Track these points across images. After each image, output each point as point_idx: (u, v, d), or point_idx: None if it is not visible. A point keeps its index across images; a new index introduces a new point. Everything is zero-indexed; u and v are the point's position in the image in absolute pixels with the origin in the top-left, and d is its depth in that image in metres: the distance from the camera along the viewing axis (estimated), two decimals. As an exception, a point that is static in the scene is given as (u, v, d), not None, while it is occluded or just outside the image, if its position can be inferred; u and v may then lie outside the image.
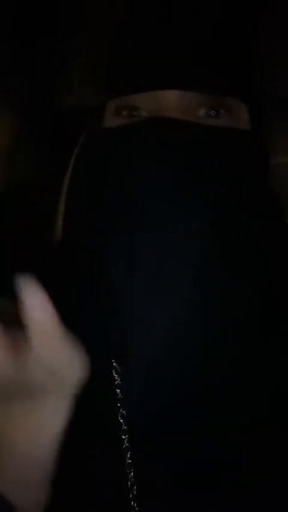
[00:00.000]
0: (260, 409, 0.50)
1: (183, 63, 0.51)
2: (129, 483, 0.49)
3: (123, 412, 0.50)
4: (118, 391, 0.51)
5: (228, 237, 0.49)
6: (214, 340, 0.49)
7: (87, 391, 0.47)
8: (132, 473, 0.49)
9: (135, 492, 0.49)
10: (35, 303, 0.43)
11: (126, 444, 0.50)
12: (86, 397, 0.47)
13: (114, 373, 0.51)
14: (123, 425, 0.50)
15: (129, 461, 0.49)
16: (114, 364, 0.51)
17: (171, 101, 0.50)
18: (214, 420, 0.49)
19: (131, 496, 0.49)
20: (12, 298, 0.43)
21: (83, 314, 0.50)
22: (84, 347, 0.45)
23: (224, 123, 0.51)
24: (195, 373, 0.49)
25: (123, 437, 0.50)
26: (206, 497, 0.48)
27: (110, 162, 0.51)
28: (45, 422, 0.44)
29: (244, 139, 0.52)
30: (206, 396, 0.49)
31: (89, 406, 0.47)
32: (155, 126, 0.49)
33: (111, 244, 0.49)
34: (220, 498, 0.48)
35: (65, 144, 0.58)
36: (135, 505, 0.48)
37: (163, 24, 0.52)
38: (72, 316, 0.49)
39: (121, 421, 0.50)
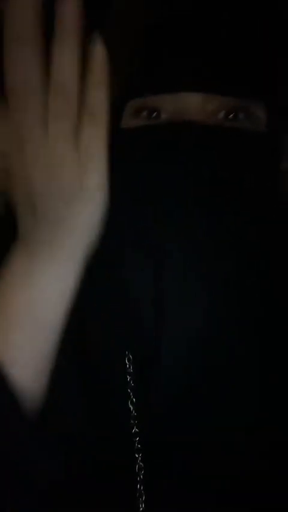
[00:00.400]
0: (265, 409, 0.51)
1: (206, 66, 0.51)
2: (137, 467, 0.50)
3: (133, 399, 0.52)
4: (129, 378, 0.52)
5: (248, 243, 0.50)
6: (222, 340, 0.50)
7: (100, 373, 0.50)
8: (140, 458, 0.50)
9: (142, 476, 0.50)
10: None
11: (135, 429, 0.51)
12: (99, 379, 0.50)
13: (126, 361, 0.53)
14: (133, 412, 0.52)
15: (138, 446, 0.51)
16: (127, 352, 0.53)
17: (192, 104, 0.50)
18: (219, 420, 0.50)
19: (138, 479, 0.50)
20: None
21: (99, 308, 0.52)
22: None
23: (242, 126, 0.52)
24: (203, 373, 0.50)
25: (133, 422, 0.51)
26: (209, 495, 0.49)
27: (131, 164, 0.51)
28: (57, 281, 0.43)
29: (260, 142, 0.52)
30: (212, 396, 0.50)
31: (102, 389, 0.50)
32: (182, 130, 0.49)
33: (132, 246, 0.50)
34: (222, 498, 0.49)
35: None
36: (142, 488, 0.50)
37: (185, 26, 0.52)
38: (88, 310, 0.51)
39: (131, 407, 0.52)
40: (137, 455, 0.51)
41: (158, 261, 0.49)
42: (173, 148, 0.49)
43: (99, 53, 0.40)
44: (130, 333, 0.51)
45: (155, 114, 0.51)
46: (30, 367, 0.43)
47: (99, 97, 0.41)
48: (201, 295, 0.49)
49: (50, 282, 0.43)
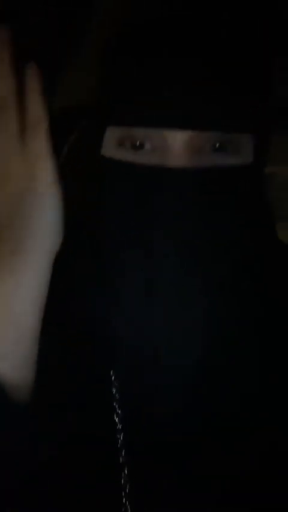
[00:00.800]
0: (262, 409, 0.51)
1: (194, 102, 0.49)
2: (122, 481, 0.50)
3: (119, 411, 0.51)
4: (114, 391, 0.52)
5: (235, 268, 0.51)
6: (220, 343, 0.50)
7: (86, 388, 0.50)
8: (125, 472, 0.50)
9: (127, 490, 0.50)
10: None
11: (120, 442, 0.51)
12: (85, 394, 0.49)
13: (111, 373, 0.52)
14: (118, 425, 0.51)
15: (124, 460, 0.50)
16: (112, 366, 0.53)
17: (179, 141, 0.49)
18: (216, 423, 0.50)
19: (123, 494, 0.50)
20: None
21: (80, 318, 0.52)
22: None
23: (229, 158, 0.50)
24: (202, 377, 0.50)
25: (118, 436, 0.51)
26: (202, 500, 0.49)
27: (116, 193, 0.51)
28: (24, 279, 0.47)
29: (248, 174, 0.52)
30: (207, 398, 0.50)
31: (87, 402, 0.50)
32: (165, 176, 0.49)
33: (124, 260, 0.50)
34: (216, 500, 0.49)
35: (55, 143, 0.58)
36: (127, 503, 0.49)
37: (173, 63, 0.49)
38: (70, 319, 0.52)
39: (116, 420, 0.51)
40: (122, 469, 0.50)
41: (150, 275, 0.49)
42: (158, 192, 0.49)
43: (31, 68, 0.46)
44: (117, 346, 0.51)
45: (138, 144, 0.50)
46: (11, 357, 0.46)
47: (36, 109, 0.46)
48: (197, 301, 0.49)
49: (17, 288, 0.46)
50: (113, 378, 0.52)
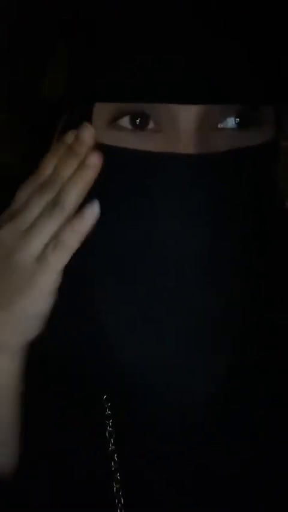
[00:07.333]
0: (258, 412, 0.48)
1: (207, 67, 0.41)
2: (115, 488, 0.48)
3: (112, 443, 0.49)
4: (107, 421, 0.49)
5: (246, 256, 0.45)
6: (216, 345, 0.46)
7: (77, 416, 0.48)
8: (121, 501, 0.48)
9: (122, 502, 0.48)
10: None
11: (112, 447, 0.48)
12: (76, 421, 0.47)
13: (104, 400, 0.49)
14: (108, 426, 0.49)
15: (115, 466, 0.48)
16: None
17: (191, 116, 0.42)
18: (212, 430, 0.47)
19: (116, 501, 0.48)
20: None
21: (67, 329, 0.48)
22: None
23: (251, 137, 0.44)
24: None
25: (111, 464, 0.48)
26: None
27: (115, 183, 0.44)
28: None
29: (269, 152, 0.45)
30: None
31: (79, 430, 0.48)
32: (176, 164, 0.42)
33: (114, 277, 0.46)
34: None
35: (47, 131, 0.52)
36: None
37: (178, 16, 0.42)
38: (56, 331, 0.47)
39: (110, 443, 0.49)
40: (114, 476, 0.48)
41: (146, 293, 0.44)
42: (165, 183, 0.42)
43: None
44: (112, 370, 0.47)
45: (139, 121, 0.42)
46: None
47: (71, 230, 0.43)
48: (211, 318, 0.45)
49: None
50: (107, 405, 0.49)
